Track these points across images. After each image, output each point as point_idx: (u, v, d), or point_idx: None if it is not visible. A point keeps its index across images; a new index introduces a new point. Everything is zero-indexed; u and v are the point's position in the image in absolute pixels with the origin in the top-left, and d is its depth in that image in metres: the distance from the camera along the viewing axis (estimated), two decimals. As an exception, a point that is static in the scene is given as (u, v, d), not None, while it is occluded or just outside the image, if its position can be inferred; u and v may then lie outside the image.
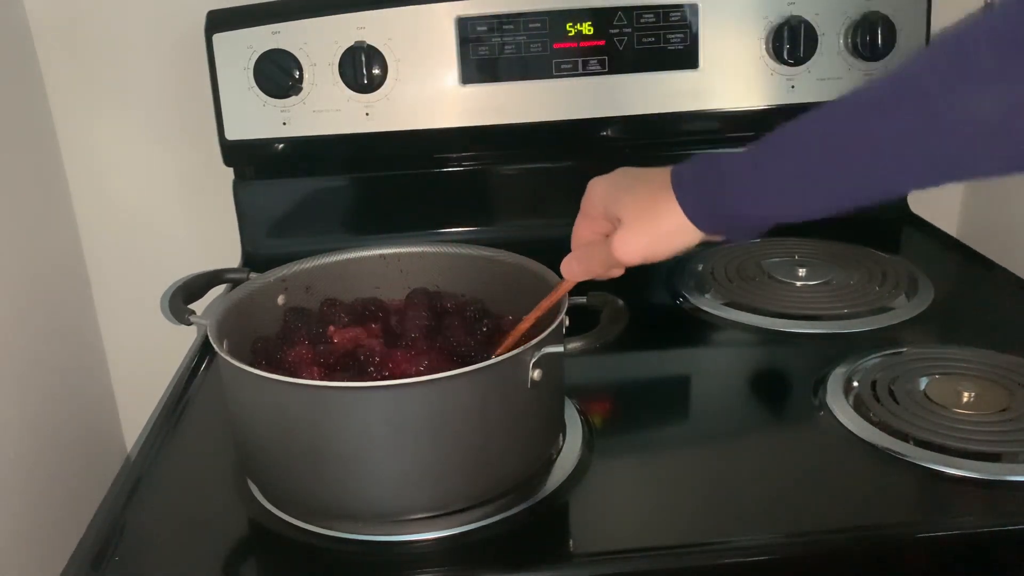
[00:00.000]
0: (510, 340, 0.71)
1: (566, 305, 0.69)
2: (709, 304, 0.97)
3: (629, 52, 1.08)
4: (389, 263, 0.83)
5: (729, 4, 1.08)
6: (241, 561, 0.67)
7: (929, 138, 0.53)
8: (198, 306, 0.76)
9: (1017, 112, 0.50)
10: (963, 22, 0.55)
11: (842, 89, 1.21)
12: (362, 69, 1.04)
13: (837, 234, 1.10)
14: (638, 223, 0.63)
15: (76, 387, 1.16)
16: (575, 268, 0.68)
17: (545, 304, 0.70)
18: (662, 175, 0.63)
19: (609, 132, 1.13)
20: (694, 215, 0.61)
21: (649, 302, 1.01)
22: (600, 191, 0.67)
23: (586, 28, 1.07)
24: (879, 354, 0.85)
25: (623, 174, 0.67)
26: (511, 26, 1.06)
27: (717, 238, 0.63)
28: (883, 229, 1.18)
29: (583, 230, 0.69)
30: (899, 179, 0.58)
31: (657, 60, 1.09)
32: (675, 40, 1.08)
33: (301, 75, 1.05)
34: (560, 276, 0.70)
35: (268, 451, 0.67)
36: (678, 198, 0.61)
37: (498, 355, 0.67)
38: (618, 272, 0.68)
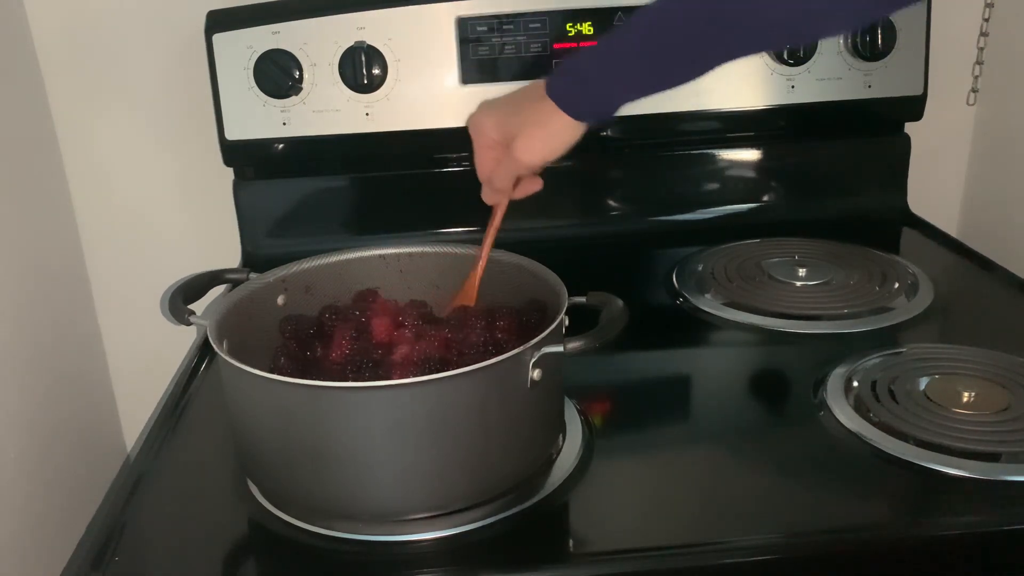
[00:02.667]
0: (468, 288, 0.78)
1: (565, 305, 0.69)
2: (709, 304, 0.97)
3: (629, 52, 1.08)
4: (389, 263, 0.83)
5: (729, 4, 1.08)
6: (241, 561, 0.67)
7: (721, 25, 0.65)
8: (198, 306, 0.75)
9: None
10: None
11: (842, 89, 1.22)
12: (362, 69, 1.04)
13: (837, 234, 1.11)
14: (531, 129, 0.72)
15: (76, 387, 1.16)
16: (489, 196, 0.77)
17: (489, 238, 0.79)
18: (535, 89, 0.73)
19: (609, 132, 1.13)
20: (571, 110, 0.71)
21: (649, 302, 1.01)
22: (489, 122, 0.75)
23: (586, 28, 1.07)
24: (879, 354, 0.85)
25: (502, 102, 0.76)
26: (511, 26, 1.06)
27: (594, 125, 0.73)
28: (883, 229, 1.18)
29: (486, 161, 0.76)
30: (701, 65, 0.68)
31: (657, 60, 1.09)
32: (675, 40, 1.08)
33: (301, 75, 1.05)
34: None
35: (268, 451, 0.67)
36: (556, 100, 0.71)
37: (456, 303, 0.76)
38: (534, 186, 0.77)
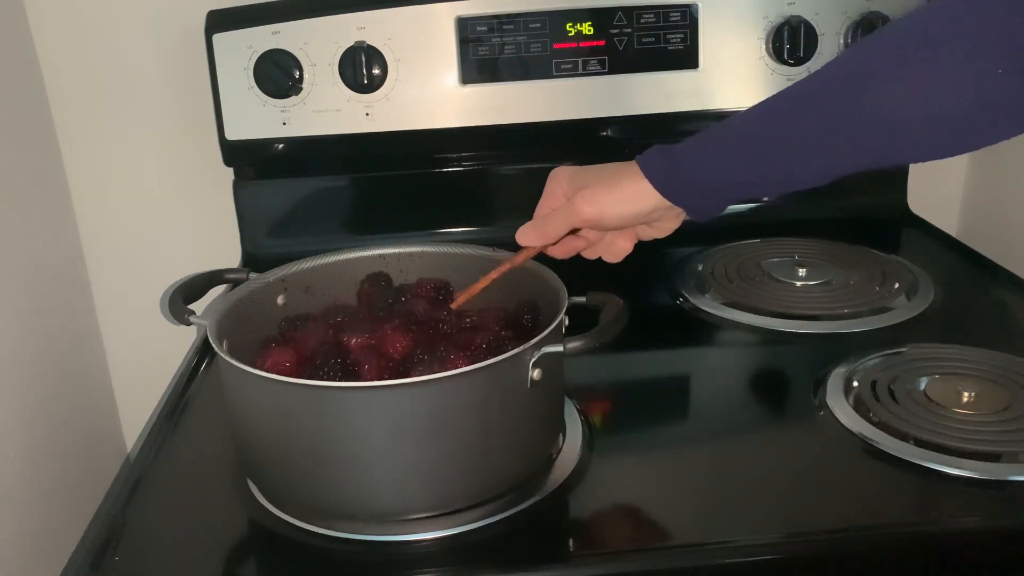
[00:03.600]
0: (462, 298, 0.76)
1: (565, 305, 0.69)
2: (709, 304, 0.97)
3: (629, 52, 1.08)
4: (389, 263, 0.83)
5: (729, 4, 1.08)
6: (241, 561, 0.67)
7: (851, 130, 0.62)
8: (198, 306, 0.76)
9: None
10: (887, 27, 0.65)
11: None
12: (362, 69, 1.04)
13: (837, 234, 1.11)
14: (602, 184, 0.70)
15: (76, 387, 1.16)
16: (531, 234, 0.74)
17: (501, 269, 0.75)
18: (628, 163, 0.71)
19: (609, 132, 1.13)
20: (654, 177, 0.69)
21: (649, 302, 1.01)
22: (565, 173, 0.74)
23: (586, 28, 1.07)
24: (879, 354, 0.85)
25: (592, 167, 0.74)
26: (511, 26, 1.06)
27: (677, 209, 0.71)
28: (883, 229, 1.18)
29: (545, 208, 0.75)
30: (819, 168, 0.65)
31: (657, 60, 1.09)
32: (675, 40, 1.08)
33: (301, 75, 1.05)
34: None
35: (268, 451, 0.67)
36: (641, 167, 0.69)
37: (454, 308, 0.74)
38: (580, 244, 0.75)
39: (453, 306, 0.76)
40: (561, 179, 0.74)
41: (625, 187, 0.70)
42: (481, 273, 0.77)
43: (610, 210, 0.70)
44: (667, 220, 0.74)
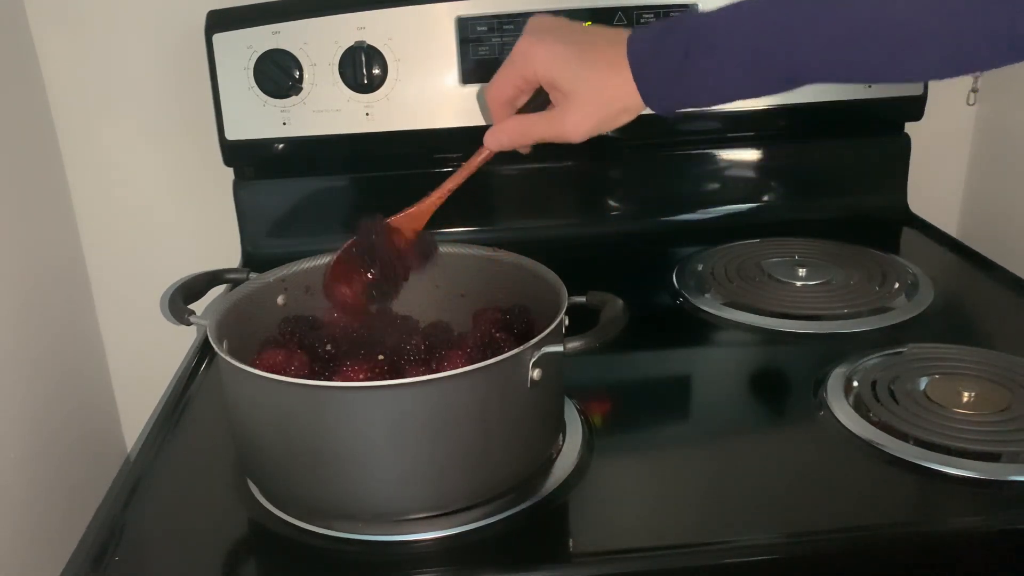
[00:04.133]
0: (418, 209, 0.74)
1: (565, 305, 0.69)
2: (709, 304, 0.97)
3: (629, 52, 1.08)
4: (389, 263, 0.83)
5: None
6: (241, 561, 0.67)
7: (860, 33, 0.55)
8: (198, 306, 0.76)
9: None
10: None
11: (842, 89, 1.22)
12: (362, 69, 1.04)
13: (837, 234, 1.11)
14: (591, 104, 0.62)
15: (76, 387, 1.16)
16: (503, 140, 0.68)
17: (462, 173, 0.72)
18: (615, 46, 0.61)
19: (609, 132, 1.13)
20: (650, 99, 0.61)
21: (649, 302, 1.01)
22: (544, 56, 0.64)
23: (586, 28, 1.07)
24: (879, 354, 0.85)
25: (568, 34, 0.64)
26: (511, 26, 1.06)
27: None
28: (883, 229, 1.18)
29: (507, 87, 0.67)
30: (819, 74, 0.58)
31: (657, 60, 1.09)
32: (675, 40, 1.08)
33: (301, 75, 1.05)
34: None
35: (268, 451, 0.67)
36: (638, 83, 0.61)
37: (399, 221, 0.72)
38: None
39: (413, 226, 0.74)
40: (539, 61, 0.64)
41: (616, 103, 0.62)
42: (480, 272, 0.77)
43: (597, 131, 0.64)
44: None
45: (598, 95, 0.62)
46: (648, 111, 0.64)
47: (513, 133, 0.67)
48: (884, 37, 0.56)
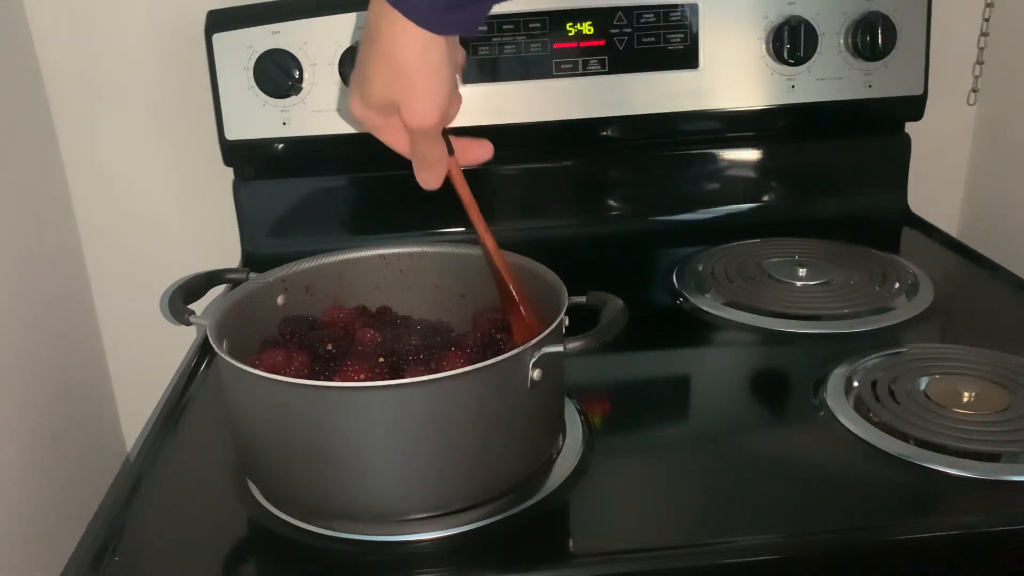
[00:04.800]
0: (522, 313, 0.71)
1: (565, 305, 0.69)
2: (709, 304, 0.97)
3: (629, 52, 1.08)
4: (389, 263, 0.83)
5: (729, 4, 1.08)
6: (241, 561, 0.67)
7: None
8: (198, 306, 0.76)
9: None
10: None
11: (842, 89, 1.22)
12: (362, 69, 1.04)
13: (837, 234, 1.11)
14: (406, 93, 0.59)
15: (76, 387, 1.16)
16: (427, 173, 0.66)
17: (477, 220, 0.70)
18: (371, 17, 0.58)
19: (609, 132, 1.13)
20: (430, 24, 0.56)
21: (649, 302, 1.01)
22: (356, 102, 0.62)
23: (586, 28, 1.07)
24: (879, 354, 0.85)
25: (357, 71, 0.61)
26: (511, 26, 1.06)
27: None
28: (883, 229, 1.18)
29: (396, 143, 0.65)
30: None
31: (657, 60, 1.09)
32: (675, 40, 1.08)
33: (301, 75, 1.05)
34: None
35: (268, 451, 0.67)
36: (412, 18, 0.56)
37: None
38: (482, 151, 0.67)
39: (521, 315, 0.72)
40: (358, 111, 0.62)
41: (412, 63, 0.57)
42: (480, 272, 0.77)
43: (439, 101, 0.59)
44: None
45: (398, 82, 0.58)
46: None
47: (420, 164, 0.65)
48: None
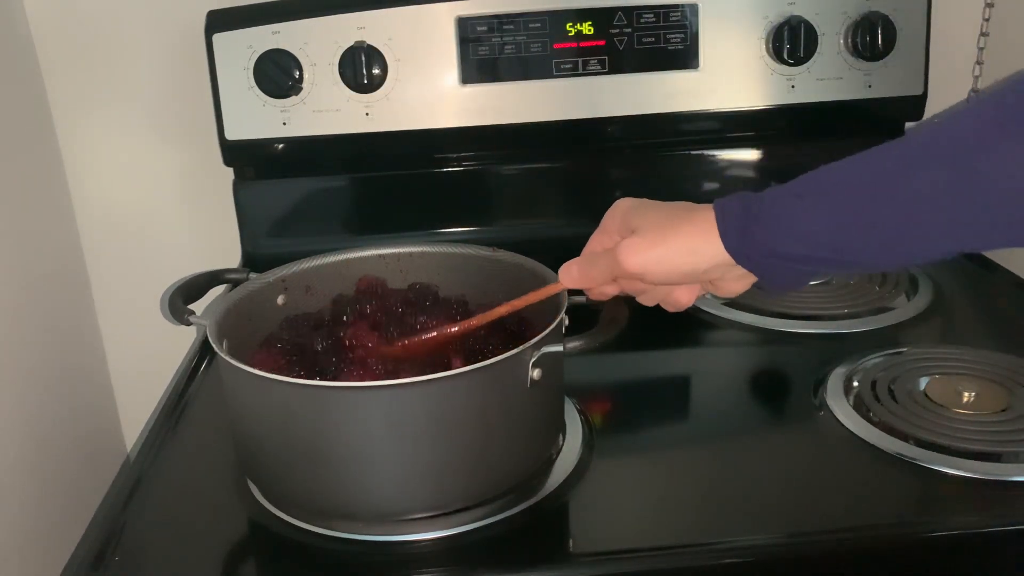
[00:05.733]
0: (478, 321, 0.70)
1: (565, 305, 0.69)
2: (709, 304, 0.97)
3: (629, 52, 1.08)
4: (389, 263, 0.83)
5: (729, 4, 1.08)
6: (241, 561, 0.67)
7: (964, 197, 0.52)
8: (198, 306, 0.76)
9: None
10: (1006, 80, 0.53)
11: (842, 89, 1.22)
12: (362, 69, 1.04)
13: (837, 234, 1.10)
14: (653, 233, 0.60)
15: (76, 387, 1.16)
16: (574, 272, 0.66)
17: (529, 298, 0.69)
18: (701, 207, 0.61)
19: (609, 132, 1.13)
20: (728, 231, 0.58)
21: (649, 302, 1.01)
22: (625, 205, 0.65)
23: (586, 28, 1.07)
24: (879, 354, 0.85)
25: (656, 203, 0.64)
26: (511, 26, 1.06)
27: (741, 270, 0.60)
28: (883, 229, 1.18)
29: (595, 243, 0.67)
30: (929, 237, 0.55)
31: (657, 60, 1.09)
32: (675, 40, 1.08)
33: (301, 75, 1.05)
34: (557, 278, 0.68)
35: (268, 451, 0.67)
36: (717, 214, 0.59)
37: (460, 328, 0.69)
38: (613, 290, 0.66)
39: (461, 327, 0.72)
40: (616, 214, 0.65)
41: (680, 240, 0.59)
42: (480, 272, 0.77)
43: (655, 267, 0.60)
44: (730, 281, 0.62)
45: (663, 228, 0.61)
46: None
47: (579, 265, 0.67)
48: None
